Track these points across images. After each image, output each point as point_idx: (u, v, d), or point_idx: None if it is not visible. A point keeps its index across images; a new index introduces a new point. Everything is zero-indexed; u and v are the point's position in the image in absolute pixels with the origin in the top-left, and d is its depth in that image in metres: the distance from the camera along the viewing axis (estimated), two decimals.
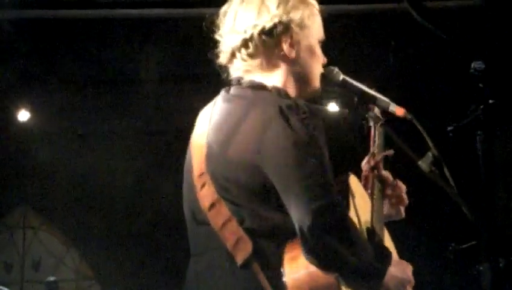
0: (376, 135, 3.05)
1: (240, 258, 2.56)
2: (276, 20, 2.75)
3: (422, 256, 6.79)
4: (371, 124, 2.95)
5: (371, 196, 2.94)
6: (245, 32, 2.76)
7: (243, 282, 2.56)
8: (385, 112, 2.92)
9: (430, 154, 2.90)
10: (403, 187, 3.06)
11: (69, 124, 7.22)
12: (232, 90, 2.78)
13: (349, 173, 2.85)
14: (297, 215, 2.47)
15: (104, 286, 7.81)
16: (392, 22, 6.31)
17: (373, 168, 3.01)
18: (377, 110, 2.94)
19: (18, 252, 7.85)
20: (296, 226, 2.46)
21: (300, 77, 2.81)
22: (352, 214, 2.72)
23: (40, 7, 6.29)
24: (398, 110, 2.88)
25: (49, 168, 7.37)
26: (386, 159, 3.06)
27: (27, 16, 6.32)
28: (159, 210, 7.30)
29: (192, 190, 2.71)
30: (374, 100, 2.89)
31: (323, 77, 2.88)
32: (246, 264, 2.56)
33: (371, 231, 2.80)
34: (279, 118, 2.55)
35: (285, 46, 2.77)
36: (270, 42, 2.76)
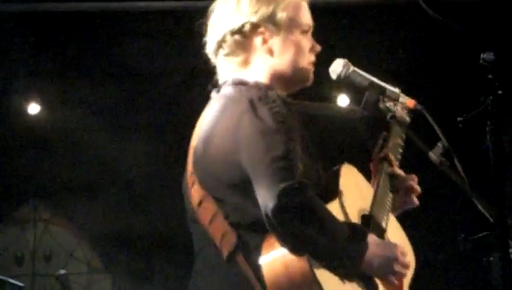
0: (393, 131, 3.06)
1: (225, 252, 2.61)
2: (245, 19, 2.81)
3: (433, 247, 6.80)
4: (389, 119, 2.92)
5: (377, 185, 2.94)
6: (218, 34, 2.84)
7: (229, 276, 2.61)
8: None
9: (440, 145, 2.91)
10: (415, 178, 3.06)
11: (84, 117, 7.23)
12: (220, 90, 2.84)
13: (344, 163, 2.84)
14: (261, 199, 2.50)
15: (116, 279, 7.83)
16: (402, 13, 6.31)
17: (382, 159, 3.01)
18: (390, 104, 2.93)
19: (29, 245, 7.87)
20: (262, 211, 2.48)
21: (283, 71, 2.84)
22: (343, 202, 2.71)
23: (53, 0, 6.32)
24: (408, 102, 2.89)
25: (60, 161, 7.39)
26: (402, 154, 3.07)
27: (37, 9, 6.34)
28: (173, 205, 7.29)
29: (186, 189, 2.79)
30: (383, 91, 2.89)
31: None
32: (231, 258, 2.60)
33: (367, 218, 2.79)
34: (249, 111, 2.60)
35: (258, 43, 2.82)
36: (243, 41, 2.82)
